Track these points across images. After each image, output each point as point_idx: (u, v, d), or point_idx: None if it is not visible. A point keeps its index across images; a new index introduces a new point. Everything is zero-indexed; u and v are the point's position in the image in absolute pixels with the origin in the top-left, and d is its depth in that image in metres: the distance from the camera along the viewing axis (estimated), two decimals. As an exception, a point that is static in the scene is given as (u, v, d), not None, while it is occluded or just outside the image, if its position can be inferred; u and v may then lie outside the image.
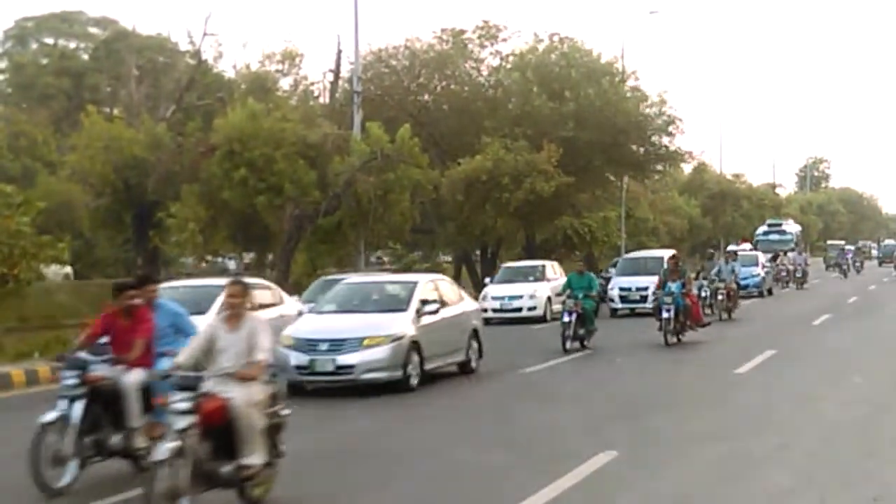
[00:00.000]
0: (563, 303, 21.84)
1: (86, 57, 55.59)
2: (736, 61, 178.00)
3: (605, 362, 20.56)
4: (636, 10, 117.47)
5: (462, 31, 42.44)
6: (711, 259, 39.40)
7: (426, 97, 41.97)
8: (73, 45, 57.14)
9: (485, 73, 43.24)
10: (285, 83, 40.58)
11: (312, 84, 41.61)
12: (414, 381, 16.35)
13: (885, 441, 11.96)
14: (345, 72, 39.74)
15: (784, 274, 47.32)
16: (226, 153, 30.37)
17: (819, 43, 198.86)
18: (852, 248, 74.18)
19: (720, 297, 29.46)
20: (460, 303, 18.95)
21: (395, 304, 17.41)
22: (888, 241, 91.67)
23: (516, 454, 11.56)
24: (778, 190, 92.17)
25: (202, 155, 31.78)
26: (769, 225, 61.54)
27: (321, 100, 40.90)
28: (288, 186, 29.86)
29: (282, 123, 30.97)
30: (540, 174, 36.40)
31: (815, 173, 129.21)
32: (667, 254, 30.98)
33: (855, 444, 11.72)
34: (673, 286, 22.52)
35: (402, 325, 16.59)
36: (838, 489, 9.75)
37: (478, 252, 42.13)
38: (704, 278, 30.46)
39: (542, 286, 30.78)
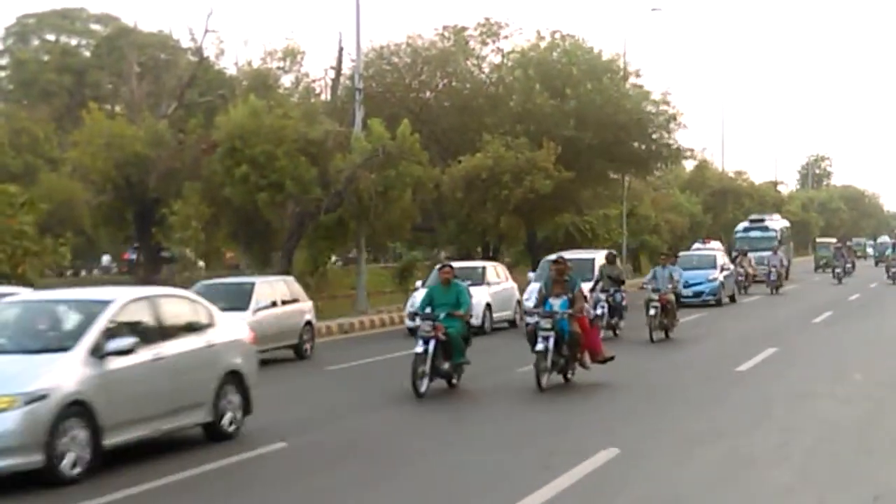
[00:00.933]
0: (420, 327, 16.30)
1: (87, 54, 55.60)
2: (738, 58, 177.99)
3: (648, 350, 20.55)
4: (638, 8, 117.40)
5: (464, 29, 42.45)
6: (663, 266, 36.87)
7: (428, 94, 41.97)
8: (74, 41, 57.14)
9: (486, 70, 43.25)
10: (287, 80, 40.59)
11: (314, 81, 41.61)
12: (74, 469, 10.32)
13: (885, 440, 11.98)
14: (346, 69, 39.75)
15: (742, 278, 41.14)
16: (227, 150, 30.39)
17: (821, 40, 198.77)
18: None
19: (652, 312, 23.14)
20: (208, 329, 12.53)
21: (56, 340, 11.18)
22: (883, 239, 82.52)
23: (516, 452, 11.58)
24: (780, 187, 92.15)
25: (204, 152, 31.81)
26: (750, 220, 56.94)
27: (322, 97, 40.88)
28: (289, 183, 29.88)
29: (283, 120, 30.98)
30: (540, 171, 36.41)
31: (817, 171, 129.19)
32: (599, 255, 28.60)
33: (855, 443, 11.74)
34: (556, 303, 16.37)
35: (55, 374, 10.41)
36: (838, 488, 9.77)
37: (479, 250, 42.13)
38: (604, 290, 24.43)
39: (479, 292, 25.49)
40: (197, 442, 12.43)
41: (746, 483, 10.03)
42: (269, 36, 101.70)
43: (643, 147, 43.87)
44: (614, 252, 27.79)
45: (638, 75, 44.56)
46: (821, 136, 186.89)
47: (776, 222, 56.81)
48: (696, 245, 50.34)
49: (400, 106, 38.99)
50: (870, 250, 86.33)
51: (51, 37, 56.99)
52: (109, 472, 10.69)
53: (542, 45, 42.80)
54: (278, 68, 40.15)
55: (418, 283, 28.02)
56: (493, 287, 27.98)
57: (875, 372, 17.70)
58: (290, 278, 24.16)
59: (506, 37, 43.01)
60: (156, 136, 33.32)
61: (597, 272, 25.47)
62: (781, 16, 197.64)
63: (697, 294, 33.31)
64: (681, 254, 35.89)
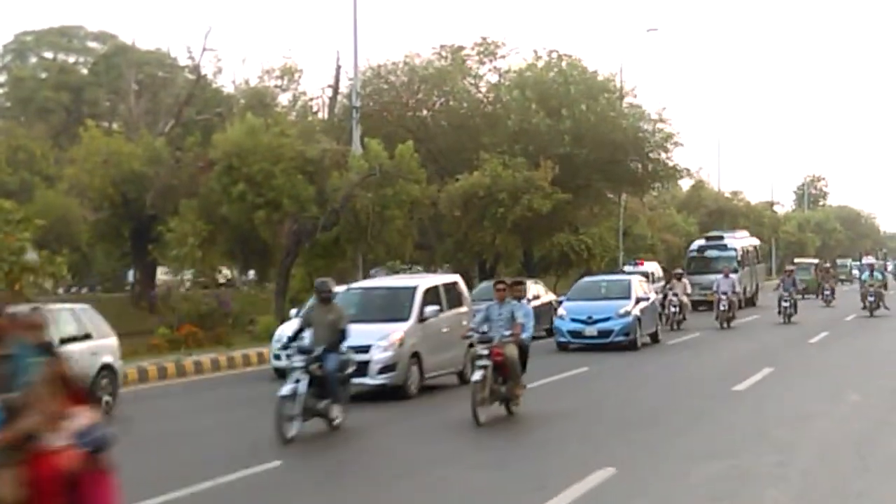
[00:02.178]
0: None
1: (85, 71, 55.63)
2: (734, 79, 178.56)
3: (602, 378, 20.55)
4: (634, 28, 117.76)
5: (461, 48, 42.57)
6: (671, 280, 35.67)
7: (425, 113, 42.04)
8: (72, 59, 57.18)
9: (483, 89, 43.33)
10: (284, 98, 40.67)
11: (311, 99, 41.69)
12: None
13: (882, 458, 11.97)
14: (343, 87, 39.79)
15: (674, 309, 33.87)
16: (224, 168, 30.38)
17: (818, 61, 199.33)
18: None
19: (477, 377, 14.65)
20: None
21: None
22: (869, 258, 70.34)
23: (513, 471, 11.56)
24: (776, 208, 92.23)
25: (201, 170, 31.80)
26: (706, 238, 49.65)
27: (320, 115, 40.94)
28: (286, 201, 29.87)
29: (280, 139, 30.99)
30: (537, 191, 36.45)
31: (813, 191, 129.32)
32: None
33: (852, 462, 11.73)
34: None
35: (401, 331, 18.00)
36: (835, 507, 9.75)
37: (476, 269, 42.14)
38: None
39: (398, 332, 18.28)
40: (187, 461, 12.38)
41: (744, 502, 10.00)
42: (266, 54, 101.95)
43: (639, 166, 43.95)
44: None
45: (634, 94, 44.71)
46: (817, 157, 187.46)
47: (738, 240, 49.49)
48: (627, 267, 43.87)
49: (397, 124, 39.05)
50: (856, 272, 71.92)
51: (49, 54, 57.04)
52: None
53: (539, 64, 42.92)
54: (276, 86, 40.23)
55: (293, 311, 22.31)
56: (534, 303, 27.00)
57: (871, 391, 17.69)
58: (87, 306, 18.68)
59: (503, 56, 43.15)
60: (153, 153, 33.33)
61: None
62: (778, 36, 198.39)
63: (605, 333, 26.56)
64: (585, 280, 31.53)
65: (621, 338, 26.54)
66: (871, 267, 40.88)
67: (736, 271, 42.31)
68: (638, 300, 27.63)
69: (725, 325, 33.81)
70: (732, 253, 46.43)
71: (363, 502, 10.54)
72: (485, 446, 13.21)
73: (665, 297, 33.96)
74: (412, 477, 11.49)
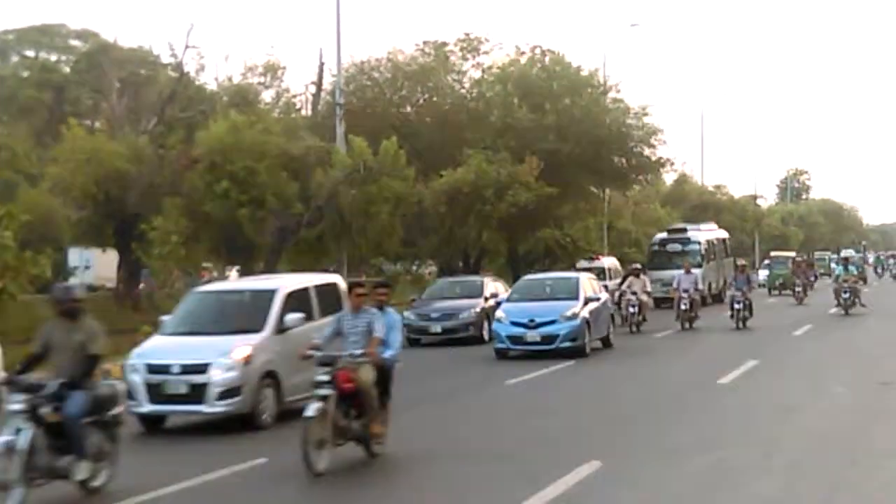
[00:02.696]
0: None
1: (67, 70, 55.37)
2: (717, 73, 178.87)
3: (588, 373, 20.57)
4: (617, 23, 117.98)
5: (444, 44, 42.57)
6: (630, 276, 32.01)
7: (408, 109, 42.02)
8: (54, 57, 56.92)
9: (467, 85, 43.35)
10: (267, 95, 40.56)
11: (295, 96, 41.59)
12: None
13: (868, 451, 12.01)
14: (327, 84, 39.75)
15: (632, 309, 30.33)
16: (208, 166, 30.30)
17: (800, 55, 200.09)
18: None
19: (311, 413, 11.31)
20: None
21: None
22: (849, 252, 66.73)
23: (499, 465, 11.56)
24: (759, 201, 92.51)
25: (184, 167, 31.69)
26: (668, 231, 46.63)
27: (303, 112, 40.86)
28: (270, 199, 29.82)
29: (264, 136, 30.92)
30: (522, 186, 36.47)
31: (796, 185, 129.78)
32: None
33: (838, 455, 11.77)
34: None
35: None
36: (822, 499, 9.79)
37: (461, 264, 42.17)
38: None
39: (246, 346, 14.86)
40: (179, 456, 12.35)
41: (731, 495, 10.03)
42: (249, 51, 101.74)
43: (623, 161, 44.04)
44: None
45: (617, 90, 44.77)
46: (799, 150, 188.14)
47: (703, 232, 46.12)
48: (582, 262, 40.93)
49: (381, 121, 39.00)
50: (834, 266, 67.75)
51: (30, 52, 56.77)
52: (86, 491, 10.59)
53: (522, 60, 42.96)
54: (259, 83, 40.13)
55: (163, 317, 16.53)
56: (591, 304, 24.47)
57: (858, 383, 17.75)
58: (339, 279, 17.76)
59: (486, 52, 43.17)
60: (136, 151, 33.21)
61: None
62: (760, 31, 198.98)
63: (549, 339, 23.10)
64: (527, 277, 28.50)
65: (567, 343, 23.11)
66: (847, 261, 37.63)
67: (699, 266, 40.56)
68: (587, 301, 24.13)
69: (687, 325, 30.53)
70: (696, 247, 43.40)
71: (351, 498, 10.53)
72: (474, 440, 13.20)
73: (622, 295, 31.01)
74: (399, 472, 11.49)
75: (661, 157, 45.18)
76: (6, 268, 24.69)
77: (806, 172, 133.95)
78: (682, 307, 30.55)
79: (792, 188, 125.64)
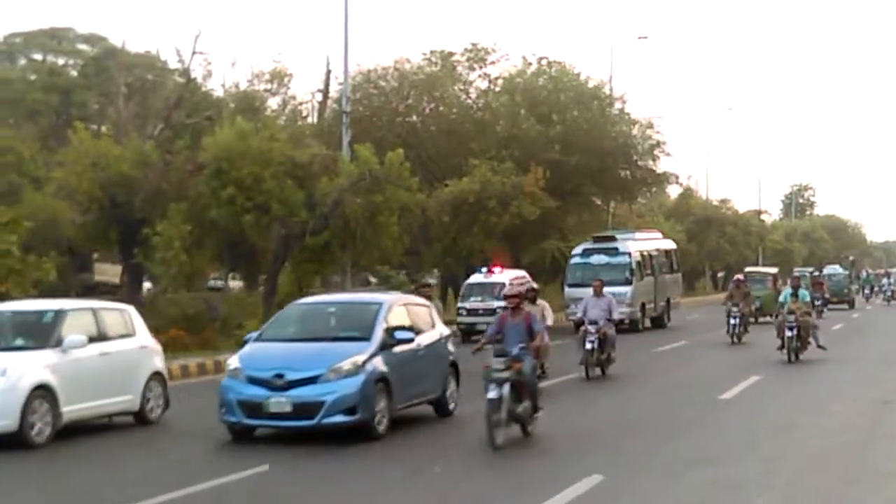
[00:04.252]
0: None
1: (74, 73, 55.46)
2: (723, 87, 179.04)
3: (587, 387, 20.56)
4: (625, 35, 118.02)
5: (451, 54, 42.66)
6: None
7: (414, 118, 42.11)
8: (61, 61, 57.00)
9: (473, 95, 43.44)
10: (274, 102, 40.67)
11: (301, 104, 41.70)
12: None
13: (867, 469, 12.00)
14: (333, 92, 39.81)
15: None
16: (214, 172, 30.35)
17: (807, 71, 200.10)
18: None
19: None
20: None
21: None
22: (832, 269, 61.08)
23: (499, 478, 11.56)
24: (763, 216, 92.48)
25: (190, 173, 31.75)
26: (594, 239, 38.31)
27: (309, 119, 40.96)
28: (275, 206, 29.85)
29: (270, 143, 30.98)
30: (527, 197, 36.51)
31: (800, 200, 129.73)
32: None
33: (837, 472, 11.76)
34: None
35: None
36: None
37: (465, 273, 42.21)
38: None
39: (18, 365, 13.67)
40: (183, 462, 12.33)
41: (730, 511, 10.00)
42: (256, 58, 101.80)
43: (628, 173, 44.09)
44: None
45: (623, 101, 44.88)
46: (804, 166, 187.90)
47: (637, 242, 38.55)
48: (476, 276, 34.19)
49: (387, 130, 39.09)
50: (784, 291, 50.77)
51: (38, 56, 56.85)
52: (88, 496, 10.60)
53: (529, 70, 43.07)
54: (265, 90, 40.23)
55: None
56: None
57: (857, 403, 17.73)
58: (130, 307, 16.96)
59: (493, 62, 43.29)
60: (142, 156, 33.26)
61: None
62: (768, 46, 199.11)
63: (306, 409, 13.68)
64: (301, 302, 16.75)
65: (339, 418, 13.62)
66: (797, 284, 26.06)
67: (628, 283, 35.31)
68: (388, 343, 14.44)
69: (596, 371, 21.32)
70: (624, 259, 36.23)
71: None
72: (470, 453, 13.19)
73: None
74: (401, 482, 11.49)
75: (665, 171, 45.24)
76: (10, 272, 24.74)
77: (811, 188, 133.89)
78: (588, 346, 20.85)
79: (796, 204, 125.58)
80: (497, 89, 42.52)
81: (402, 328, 14.78)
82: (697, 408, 17.05)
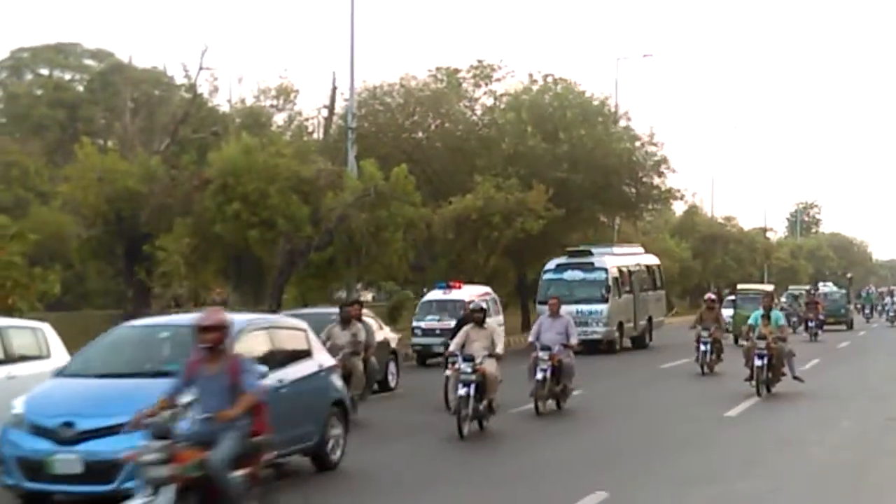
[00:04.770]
0: None
1: (81, 88, 55.66)
2: (728, 105, 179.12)
3: (593, 402, 20.53)
4: (629, 53, 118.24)
5: (457, 71, 42.77)
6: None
7: (420, 135, 42.18)
8: (68, 76, 57.22)
9: (479, 112, 43.52)
10: (280, 118, 40.79)
11: (307, 119, 41.80)
12: None
13: (872, 485, 11.97)
14: (339, 108, 39.92)
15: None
16: (219, 187, 30.40)
17: (812, 88, 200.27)
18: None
19: None
20: None
21: None
22: (827, 287, 56.15)
23: (505, 494, 11.53)
24: (768, 234, 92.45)
25: (196, 188, 31.79)
26: (569, 254, 35.80)
27: (315, 135, 41.04)
28: (281, 221, 29.89)
29: (276, 158, 31.04)
30: (530, 213, 36.53)
31: (806, 218, 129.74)
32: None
33: (843, 488, 11.73)
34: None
35: None
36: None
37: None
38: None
39: None
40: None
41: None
42: (262, 74, 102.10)
43: (633, 190, 44.12)
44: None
45: (628, 118, 44.98)
46: (810, 184, 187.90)
47: (615, 257, 36.19)
48: (435, 292, 31.22)
49: (392, 146, 39.16)
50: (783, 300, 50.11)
51: (45, 71, 57.07)
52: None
53: (535, 88, 43.15)
54: (271, 106, 40.36)
55: None
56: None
57: (863, 418, 17.69)
58: (45, 325, 15.22)
59: (498, 79, 43.39)
60: (148, 171, 33.33)
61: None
62: (772, 64, 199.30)
63: (100, 469, 10.27)
64: (130, 324, 13.34)
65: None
66: (769, 302, 22.45)
67: (604, 300, 33.31)
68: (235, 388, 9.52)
69: (551, 404, 18.46)
70: (601, 275, 33.94)
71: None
72: (474, 468, 13.17)
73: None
74: (410, 499, 11.46)
75: (670, 188, 45.24)
76: (16, 285, 24.78)
77: (816, 206, 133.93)
78: (539, 375, 17.72)
79: (802, 221, 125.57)
80: (502, 106, 42.61)
81: (256, 359, 10.45)
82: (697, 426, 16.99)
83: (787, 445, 14.83)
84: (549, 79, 43.41)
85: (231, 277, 34.81)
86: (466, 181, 37.98)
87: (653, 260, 39.92)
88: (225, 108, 42.70)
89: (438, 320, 29.27)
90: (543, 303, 30.95)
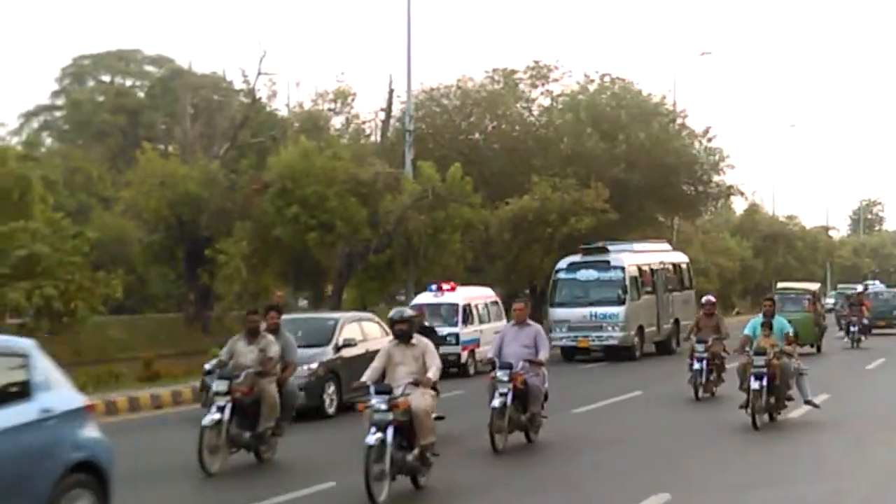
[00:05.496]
0: None
1: (142, 95, 56.44)
2: (789, 102, 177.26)
3: (651, 403, 20.37)
4: (687, 51, 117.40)
5: (513, 71, 42.73)
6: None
7: (477, 136, 42.19)
8: (129, 82, 58.04)
9: (535, 112, 43.44)
10: (337, 121, 40.92)
11: (364, 122, 41.93)
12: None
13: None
14: (396, 110, 40.04)
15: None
16: (278, 190, 30.67)
17: (873, 85, 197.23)
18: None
19: None
20: None
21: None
22: (875, 286, 51.34)
23: (565, 496, 11.49)
24: (831, 232, 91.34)
25: (255, 192, 32.10)
26: (583, 252, 31.96)
27: (372, 138, 41.19)
28: (339, 224, 30.07)
29: (334, 161, 31.24)
30: (586, 211, 36.36)
31: (869, 216, 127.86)
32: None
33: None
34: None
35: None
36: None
37: (527, 291, 42.13)
38: None
39: None
40: (248, 477, 12.40)
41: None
42: (320, 78, 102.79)
43: (692, 188, 43.83)
44: None
45: (685, 116, 44.70)
46: (873, 181, 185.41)
47: (635, 254, 32.59)
48: (425, 294, 27.23)
49: (449, 148, 39.21)
50: (830, 302, 49.93)
51: (106, 77, 57.91)
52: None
53: (591, 87, 43.01)
54: (329, 109, 40.49)
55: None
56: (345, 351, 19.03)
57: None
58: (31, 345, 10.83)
59: (555, 79, 43.27)
60: (208, 176, 33.69)
61: None
62: (832, 59, 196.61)
63: None
64: None
65: None
66: (769, 309, 17.01)
67: (621, 302, 30.06)
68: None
69: (500, 445, 14.02)
70: (617, 275, 30.73)
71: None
72: (538, 471, 13.13)
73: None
74: (472, 502, 11.45)
75: (731, 186, 44.91)
76: (79, 288, 25.13)
77: (880, 203, 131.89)
78: (496, 402, 14.02)
79: (865, 219, 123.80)
80: (559, 106, 42.51)
81: None
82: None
83: (851, 446, 14.60)
84: (607, 78, 43.26)
85: (291, 280, 35.07)
86: (523, 182, 37.92)
87: (680, 257, 36.59)
88: (283, 112, 42.97)
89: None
90: (557, 304, 30.53)
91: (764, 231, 72.43)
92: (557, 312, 30.27)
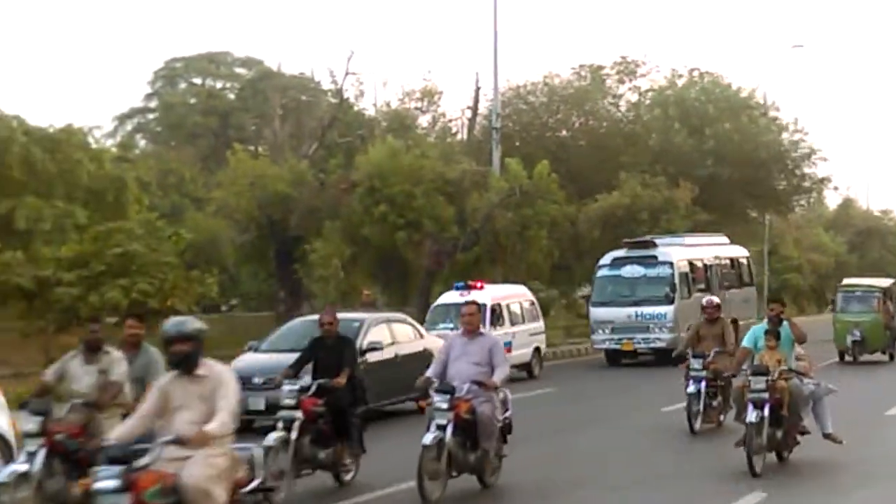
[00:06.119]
0: None
1: (232, 96, 57.17)
2: (884, 95, 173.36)
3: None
4: (778, 44, 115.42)
5: (600, 67, 42.45)
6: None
7: (564, 133, 42.01)
8: (219, 84, 58.82)
9: (623, 108, 43.11)
10: (424, 120, 41.05)
11: (451, 121, 42.00)
12: None
13: None
14: (482, 108, 40.02)
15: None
16: (366, 189, 30.89)
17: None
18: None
19: None
20: None
21: None
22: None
23: (662, 491, 11.41)
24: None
25: (343, 191, 32.36)
26: (628, 246, 29.34)
27: (459, 136, 41.24)
28: (427, 222, 30.19)
29: (421, 160, 31.37)
30: (677, 211, 36.02)
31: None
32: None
33: None
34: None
35: None
36: None
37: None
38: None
39: None
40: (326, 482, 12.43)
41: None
42: (407, 77, 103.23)
43: (783, 182, 43.15)
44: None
45: (776, 108, 44.01)
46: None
47: (684, 248, 29.80)
48: (450, 294, 24.80)
49: (536, 145, 39.10)
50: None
51: (197, 80, 58.74)
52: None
53: (680, 82, 42.56)
54: (416, 108, 40.64)
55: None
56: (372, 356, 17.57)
57: None
58: None
59: (643, 75, 42.91)
60: (298, 176, 34.03)
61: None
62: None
63: None
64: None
65: None
66: (776, 315, 12.71)
67: (670, 301, 27.43)
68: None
69: (436, 495, 10.75)
70: (665, 271, 28.02)
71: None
72: (634, 467, 13.04)
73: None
74: (565, 496, 11.43)
75: (822, 177, 44.13)
76: (174, 286, 25.58)
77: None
78: (428, 439, 10.70)
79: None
80: (647, 102, 42.14)
81: None
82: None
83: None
84: (695, 73, 42.78)
85: (380, 278, 35.28)
86: (611, 179, 37.66)
87: (739, 251, 33.64)
88: (371, 111, 43.24)
89: (453, 328, 21.01)
90: (599, 304, 28.12)
91: (858, 226, 71.00)
92: (599, 312, 27.90)
